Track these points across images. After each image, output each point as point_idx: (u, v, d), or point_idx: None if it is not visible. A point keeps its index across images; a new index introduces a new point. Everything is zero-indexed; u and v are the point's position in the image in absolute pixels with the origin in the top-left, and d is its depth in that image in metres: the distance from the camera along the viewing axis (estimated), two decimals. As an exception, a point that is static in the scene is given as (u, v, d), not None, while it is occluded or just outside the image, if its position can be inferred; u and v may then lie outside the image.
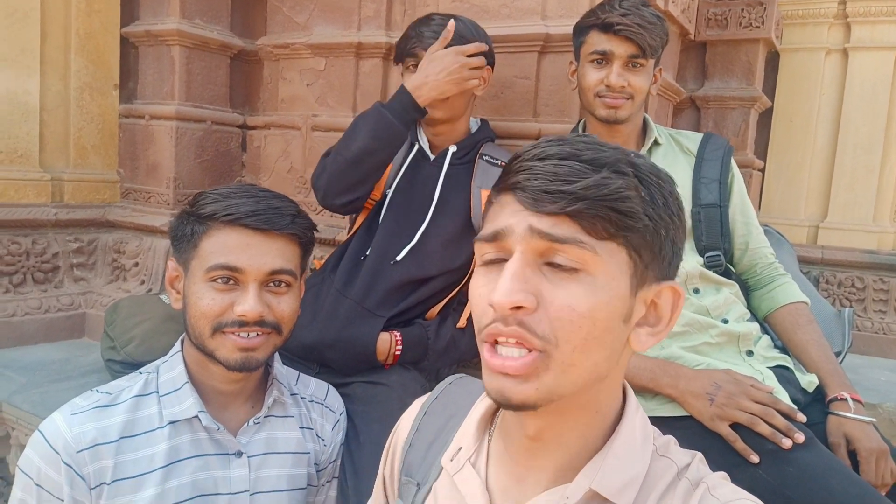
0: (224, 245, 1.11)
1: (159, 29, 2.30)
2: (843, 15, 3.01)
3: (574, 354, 0.63)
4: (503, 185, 0.67)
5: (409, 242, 1.65)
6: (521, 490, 0.72)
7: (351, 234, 1.80)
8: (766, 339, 1.60)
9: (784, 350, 1.65)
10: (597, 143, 0.65)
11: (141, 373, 1.18)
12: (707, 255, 1.61)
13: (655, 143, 1.69)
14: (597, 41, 1.58)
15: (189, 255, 1.14)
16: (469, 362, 1.81)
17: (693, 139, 1.73)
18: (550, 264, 0.63)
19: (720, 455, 1.33)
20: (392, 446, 0.92)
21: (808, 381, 1.51)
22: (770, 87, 3.16)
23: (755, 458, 1.29)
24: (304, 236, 1.20)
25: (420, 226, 1.67)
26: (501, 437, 0.76)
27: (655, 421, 1.39)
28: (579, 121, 1.78)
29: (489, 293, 0.64)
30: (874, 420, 1.39)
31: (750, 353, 1.53)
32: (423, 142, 1.78)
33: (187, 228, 1.15)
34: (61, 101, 2.34)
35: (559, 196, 0.61)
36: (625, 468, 0.67)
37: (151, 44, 2.38)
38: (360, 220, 1.79)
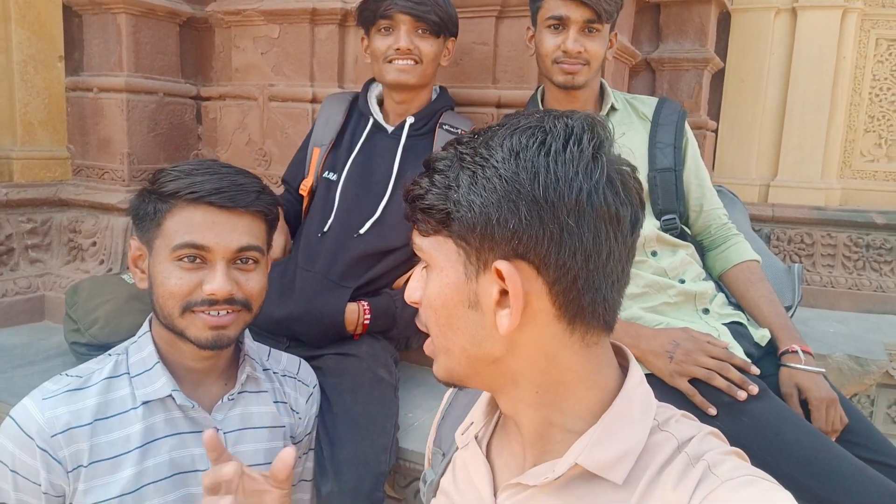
0: (189, 223, 1.10)
1: (103, -4, 2.21)
2: (792, -26, 3.06)
3: (443, 339, 0.71)
4: None
5: (372, 216, 1.66)
6: (520, 465, 0.74)
7: (304, 211, 1.82)
8: (720, 296, 1.66)
9: (738, 307, 1.73)
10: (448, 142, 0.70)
11: (110, 354, 1.18)
12: (663, 218, 1.66)
13: (612, 108, 1.72)
14: (553, 6, 1.59)
15: (152, 234, 1.13)
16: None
17: (649, 104, 1.76)
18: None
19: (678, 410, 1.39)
20: (435, 420, 0.97)
21: (761, 335, 1.59)
22: (722, 48, 3.20)
23: (713, 411, 1.35)
24: (270, 212, 1.20)
25: (381, 199, 1.68)
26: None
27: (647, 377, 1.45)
28: (538, 87, 1.79)
29: None
30: (824, 370, 1.47)
31: (706, 311, 1.59)
32: (378, 114, 1.77)
33: (150, 207, 1.13)
34: (4, 75, 2.25)
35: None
36: (615, 442, 0.66)
37: (95, 12, 2.28)
38: (306, 202, 1.81)
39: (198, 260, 1.11)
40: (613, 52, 1.75)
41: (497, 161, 0.63)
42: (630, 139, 1.70)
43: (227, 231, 1.12)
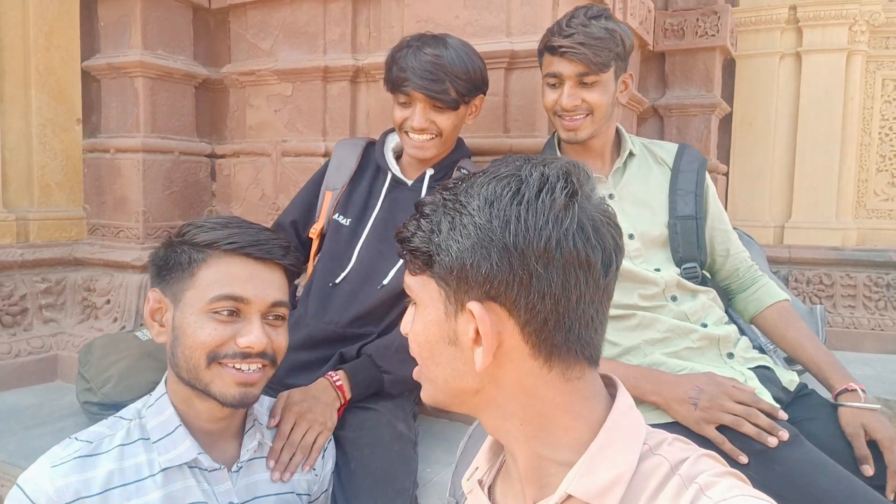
0: (228, 274, 1.09)
1: (121, 61, 2.27)
2: (795, 20, 3.11)
3: (426, 370, 0.76)
4: None
5: (394, 266, 1.65)
6: (520, 503, 0.75)
7: (312, 255, 1.80)
8: (744, 340, 1.62)
9: (762, 351, 1.68)
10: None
11: (122, 418, 1.14)
12: (683, 266, 1.64)
13: (630, 154, 1.71)
14: (548, 63, 1.62)
15: (183, 285, 1.11)
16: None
17: (668, 150, 1.76)
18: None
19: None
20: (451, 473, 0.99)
21: (789, 379, 1.54)
22: (728, 93, 3.24)
23: (744, 459, 1.30)
24: (295, 268, 1.20)
25: None
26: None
27: (673, 426, 1.41)
28: (553, 133, 1.79)
29: None
30: (879, 406, 1.42)
31: (731, 355, 1.55)
32: (395, 169, 1.77)
33: (182, 257, 1.11)
34: (23, 139, 2.29)
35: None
36: (604, 469, 0.66)
37: (114, 76, 2.34)
38: (315, 246, 1.80)
39: (234, 313, 1.09)
40: (628, 95, 1.72)
41: (473, 209, 0.67)
42: (647, 184, 1.69)
43: (264, 284, 1.11)
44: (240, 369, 1.09)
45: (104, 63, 2.32)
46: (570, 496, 0.67)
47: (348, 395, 1.46)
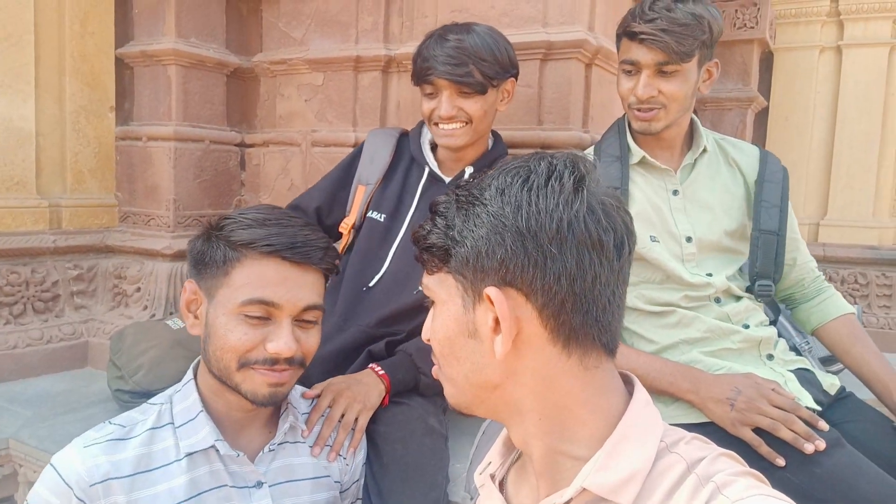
0: (261, 277, 1.08)
1: (155, 49, 2.27)
2: (836, 13, 3.03)
3: (446, 369, 0.76)
4: None
5: None
6: (534, 498, 0.75)
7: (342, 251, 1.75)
8: (783, 342, 1.59)
9: (797, 352, 1.64)
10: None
11: (153, 403, 1.15)
12: (758, 283, 1.58)
13: (703, 151, 1.61)
14: (625, 50, 1.51)
15: (217, 283, 1.10)
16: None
17: (745, 153, 1.66)
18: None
19: (745, 459, 1.31)
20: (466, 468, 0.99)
21: (830, 383, 1.51)
22: (765, 87, 3.17)
23: (781, 462, 1.28)
24: (332, 269, 1.18)
25: None
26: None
27: (708, 426, 1.38)
28: (623, 116, 1.67)
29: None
30: None
31: (770, 356, 1.52)
32: (433, 164, 1.72)
33: (218, 254, 1.10)
34: (57, 126, 2.30)
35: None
36: (621, 465, 0.67)
37: (147, 64, 2.34)
38: (344, 244, 1.75)
39: (264, 317, 1.08)
40: (711, 83, 1.59)
41: (485, 199, 0.69)
42: (713, 187, 1.60)
43: (297, 287, 1.10)
44: (270, 372, 1.09)
45: (138, 50, 2.33)
46: (584, 490, 0.67)
47: (390, 388, 1.45)
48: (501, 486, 0.81)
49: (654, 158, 1.58)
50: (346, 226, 1.76)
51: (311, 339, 1.14)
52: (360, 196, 1.74)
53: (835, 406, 1.51)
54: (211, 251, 1.11)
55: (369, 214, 1.71)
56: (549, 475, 0.72)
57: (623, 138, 1.61)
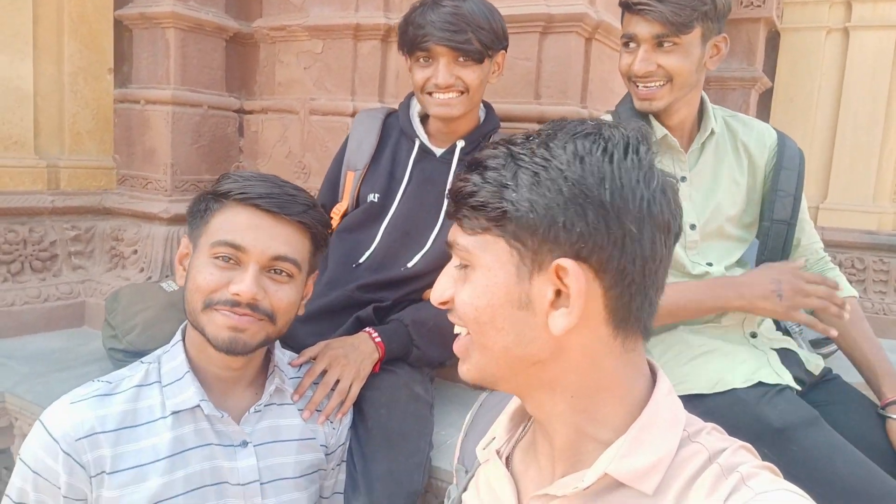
0: (232, 223, 1.11)
1: (154, 11, 2.26)
2: (845, -7, 2.98)
3: (483, 338, 0.69)
4: None
5: (421, 249, 1.61)
6: (547, 478, 0.74)
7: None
8: (769, 322, 1.59)
9: (787, 333, 1.65)
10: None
11: (143, 362, 1.17)
12: None
13: (710, 133, 1.56)
14: (625, 23, 1.47)
15: (200, 231, 1.14)
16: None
17: (756, 135, 1.60)
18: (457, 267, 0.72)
19: (745, 433, 1.34)
20: (459, 438, 0.97)
21: (815, 364, 1.52)
22: (770, 67, 3.14)
23: (834, 333, 1.40)
24: (315, 228, 1.18)
25: (432, 230, 1.62)
26: (534, 428, 0.78)
27: (691, 399, 1.40)
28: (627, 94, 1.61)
29: None
30: None
31: (753, 334, 1.53)
32: (424, 137, 1.70)
33: (202, 205, 1.15)
34: (55, 86, 2.30)
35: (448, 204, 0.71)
36: (646, 452, 0.65)
37: (146, 27, 2.33)
38: (337, 221, 1.73)
39: (232, 260, 1.10)
40: (719, 61, 1.52)
41: (561, 163, 0.63)
42: (719, 173, 1.56)
43: (268, 236, 1.11)
44: (230, 315, 1.09)
45: (137, 12, 2.31)
46: (606, 475, 0.66)
47: (384, 355, 1.47)
48: (507, 462, 0.80)
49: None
50: (337, 211, 1.75)
51: (282, 293, 1.13)
52: (349, 182, 1.73)
53: (819, 387, 1.52)
54: (199, 203, 1.17)
55: (369, 198, 1.69)
56: (568, 456, 0.71)
57: (635, 113, 1.55)
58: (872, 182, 3.01)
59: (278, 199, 1.12)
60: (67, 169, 2.34)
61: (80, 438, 1.04)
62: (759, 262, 1.58)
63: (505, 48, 1.66)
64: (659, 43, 1.42)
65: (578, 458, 0.70)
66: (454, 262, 0.72)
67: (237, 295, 1.08)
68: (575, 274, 0.63)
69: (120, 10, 2.39)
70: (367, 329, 1.49)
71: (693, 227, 1.53)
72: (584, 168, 0.63)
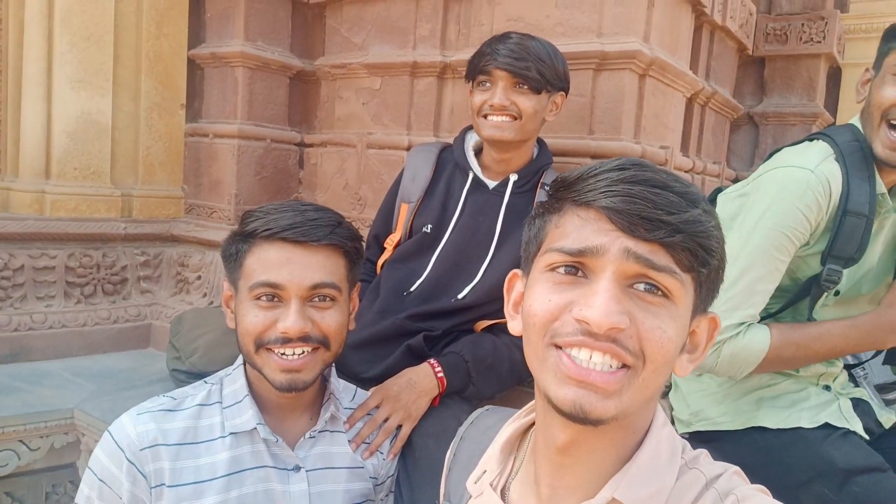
0: (265, 262, 1.12)
1: (224, 51, 2.39)
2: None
3: (653, 375, 0.66)
4: (579, 199, 0.68)
5: (472, 280, 1.62)
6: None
7: (382, 265, 1.77)
8: (843, 376, 1.54)
9: (855, 381, 1.59)
10: (674, 175, 0.68)
11: (206, 382, 1.22)
12: (828, 267, 1.40)
13: None
14: None
15: (237, 275, 1.16)
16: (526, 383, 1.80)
17: None
18: (633, 287, 0.66)
19: (785, 471, 1.30)
20: (443, 475, 0.96)
21: (887, 417, 1.47)
22: (832, 103, 3.07)
23: None
24: (346, 246, 1.19)
25: (483, 262, 1.64)
26: (531, 460, 0.77)
27: (714, 435, 1.37)
28: (854, 119, 1.47)
29: (567, 304, 0.67)
30: None
31: (827, 387, 1.48)
32: (477, 169, 1.73)
33: (233, 248, 1.17)
34: (131, 121, 2.45)
35: (659, 224, 0.64)
36: (649, 480, 0.68)
37: (216, 65, 2.47)
38: (390, 252, 1.76)
39: (275, 299, 1.12)
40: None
41: (715, 219, 0.70)
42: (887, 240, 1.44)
43: (301, 267, 1.12)
44: (283, 355, 1.11)
45: (208, 52, 2.46)
46: (613, 500, 0.68)
47: (444, 390, 1.48)
48: (502, 495, 0.79)
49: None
50: (391, 242, 1.78)
51: (329, 319, 1.15)
52: (403, 214, 1.77)
53: (886, 435, 1.47)
54: (229, 247, 1.19)
55: (423, 229, 1.72)
56: (580, 486, 0.71)
57: (869, 157, 1.37)
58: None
59: (302, 228, 1.13)
60: (140, 198, 2.48)
61: (143, 448, 1.09)
62: (822, 258, 1.38)
63: (565, 90, 1.70)
64: None
65: (585, 492, 0.71)
66: (620, 280, 0.66)
67: (286, 332, 1.10)
68: (709, 327, 0.72)
69: (193, 50, 2.54)
70: (431, 362, 1.50)
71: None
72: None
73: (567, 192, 0.70)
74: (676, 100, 2.21)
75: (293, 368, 1.12)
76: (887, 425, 1.46)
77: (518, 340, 0.76)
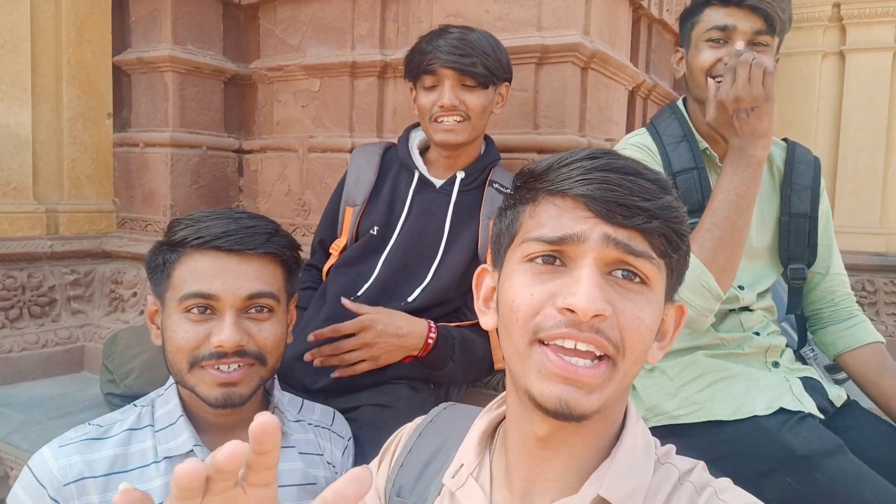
0: (196, 271, 1.05)
1: (152, 56, 2.29)
2: (838, 18, 3.00)
3: (633, 365, 0.66)
4: (553, 189, 0.68)
5: (421, 283, 1.59)
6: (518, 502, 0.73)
7: (327, 270, 1.72)
8: (789, 352, 1.56)
9: (803, 361, 1.61)
10: (642, 164, 0.69)
11: (136, 405, 1.13)
12: (790, 266, 1.54)
13: None
14: (715, 17, 1.44)
15: (164, 287, 1.08)
16: (481, 383, 1.76)
17: (776, 146, 1.60)
18: (612, 275, 0.66)
19: (745, 462, 1.29)
20: (377, 466, 0.91)
21: (837, 394, 1.49)
22: (769, 93, 3.14)
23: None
24: (284, 255, 1.13)
25: (432, 263, 1.60)
26: (504, 453, 0.77)
27: (673, 429, 1.36)
28: (683, 98, 1.61)
29: (549, 296, 0.66)
30: None
31: (776, 364, 1.49)
32: (423, 168, 1.69)
33: (159, 258, 1.09)
34: (54, 132, 2.32)
35: (637, 211, 0.65)
36: (630, 476, 0.68)
37: (144, 71, 2.36)
38: (336, 257, 1.71)
39: (207, 311, 1.05)
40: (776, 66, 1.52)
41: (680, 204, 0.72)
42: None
43: (236, 277, 1.06)
44: (219, 370, 1.05)
45: (135, 58, 2.34)
46: (598, 497, 0.68)
47: (424, 355, 1.48)
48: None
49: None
50: (336, 247, 1.73)
51: (266, 332, 1.09)
52: (348, 217, 1.72)
53: (838, 413, 1.48)
54: (155, 258, 1.10)
55: (370, 231, 1.67)
56: (557, 482, 0.71)
57: (684, 122, 1.54)
58: (878, 203, 2.99)
59: (236, 235, 1.06)
60: (66, 213, 2.34)
61: (67, 483, 1.00)
62: (782, 259, 1.53)
63: (509, 80, 1.68)
64: (753, 40, 1.42)
65: (563, 484, 0.71)
66: (604, 270, 0.66)
67: (220, 346, 1.03)
68: (677, 314, 0.73)
69: (119, 56, 2.42)
70: (431, 324, 1.50)
71: None
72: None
73: (539, 182, 0.69)
74: (619, 92, 2.22)
75: (230, 381, 1.05)
76: (838, 403, 1.47)
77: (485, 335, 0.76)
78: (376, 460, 0.93)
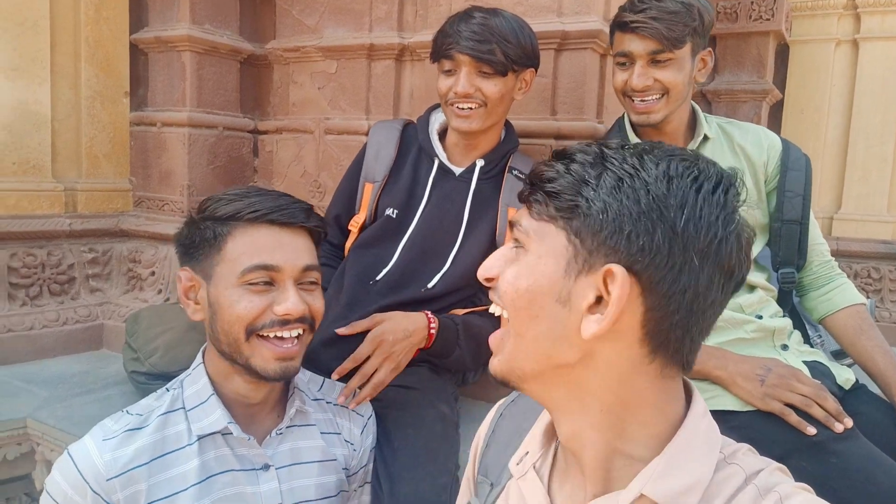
0: (254, 244, 1.08)
1: (169, 35, 2.28)
2: (853, 6, 2.99)
3: (518, 324, 0.69)
4: None
5: (441, 269, 1.60)
6: (581, 497, 0.72)
7: (346, 254, 1.73)
8: (797, 334, 1.58)
9: (811, 345, 1.64)
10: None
11: (167, 390, 1.16)
12: (781, 271, 1.60)
13: (705, 138, 1.61)
14: (618, 41, 1.54)
15: (212, 262, 1.10)
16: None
17: (752, 136, 1.64)
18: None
19: (759, 449, 1.32)
20: (474, 446, 0.94)
21: (845, 378, 1.51)
22: (781, 80, 3.15)
23: (812, 430, 1.30)
24: (320, 229, 1.19)
25: (451, 249, 1.62)
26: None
27: (722, 415, 1.38)
28: (623, 115, 1.69)
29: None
30: None
31: (784, 346, 1.52)
32: (443, 155, 1.69)
33: (207, 233, 1.11)
34: (72, 110, 2.32)
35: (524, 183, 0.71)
36: (682, 474, 0.64)
37: (161, 50, 2.36)
38: (353, 238, 1.72)
39: (268, 283, 1.09)
40: (707, 73, 1.62)
41: (649, 176, 0.63)
42: None
43: (293, 250, 1.11)
44: (280, 337, 1.09)
45: (152, 36, 2.34)
46: (642, 496, 0.65)
47: (429, 345, 1.49)
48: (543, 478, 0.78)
49: None
50: (355, 224, 1.73)
51: (318, 301, 1.15)
52: (368, 194, 1.72)
53: (846, 397, 1.51)
54: (199, 233, 1.12)
55: (386, 213, 1.68)
56: (600, 473, 0.69)
57: (624, 135, 1.62)
58: (886, 191, 3.01)
59: (288, 210, 1.11)
60: (84, 192, 2.35)
61: (111, 478, 1.03)
62: (773, 264, 1.59)
63: (535, 66, 1.66)
64: (654, 59, 1.49)
65: (611, 474, 0.69)
66: (510, 242, 0.73)
67: (288, 314, 1.08)
68: (622, 282, 0.62)
69: (136, 35, 2.41)
70: (429, 315, 1.50)
71: None
72: (670, 188, 0.63)
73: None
74: (636, 79, 2.21)
75: (288, 356, 1.09)
76: (847, 386, 1.49)
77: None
78: (475, 440, 0.96)
